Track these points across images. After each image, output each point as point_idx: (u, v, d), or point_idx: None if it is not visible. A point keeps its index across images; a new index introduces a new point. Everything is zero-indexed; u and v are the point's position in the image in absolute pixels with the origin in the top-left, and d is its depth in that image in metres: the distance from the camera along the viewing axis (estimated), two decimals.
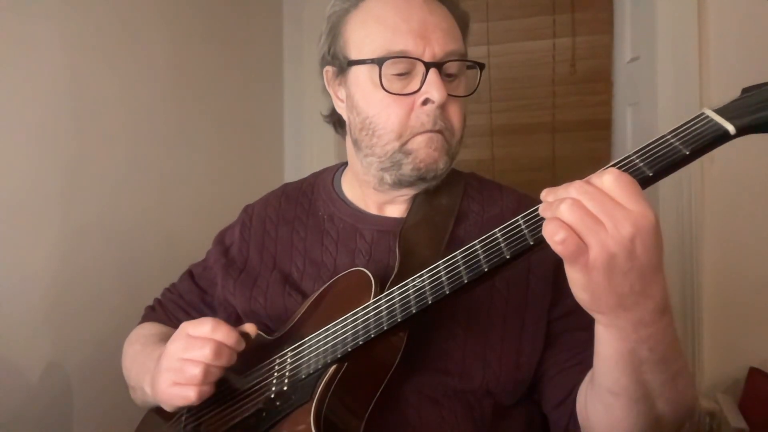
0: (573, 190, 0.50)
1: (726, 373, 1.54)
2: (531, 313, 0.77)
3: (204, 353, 0.67)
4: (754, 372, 1.45)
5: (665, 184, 1.57)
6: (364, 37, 0.78)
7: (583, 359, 0.66)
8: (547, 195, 0.53)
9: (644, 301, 0.52)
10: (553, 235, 0.49)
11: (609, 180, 0.49)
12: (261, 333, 0.82)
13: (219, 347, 0.68)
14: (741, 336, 1.53)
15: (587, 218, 0.48)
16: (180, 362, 0.68)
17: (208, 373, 0.68)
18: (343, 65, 0.80)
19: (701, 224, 1.55)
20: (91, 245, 1.24)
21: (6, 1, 1.06)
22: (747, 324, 1.52)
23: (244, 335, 0.72)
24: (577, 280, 0.52)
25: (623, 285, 0.50)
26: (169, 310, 0.95)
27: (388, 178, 0.80)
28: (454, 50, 0.77)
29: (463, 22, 0.82)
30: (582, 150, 2.20)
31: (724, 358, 1.54)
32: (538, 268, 0.78)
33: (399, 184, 0.80)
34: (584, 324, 0.59)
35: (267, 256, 0.87)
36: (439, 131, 0.77)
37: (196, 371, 0.67)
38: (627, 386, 0.58)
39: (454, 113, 0.78)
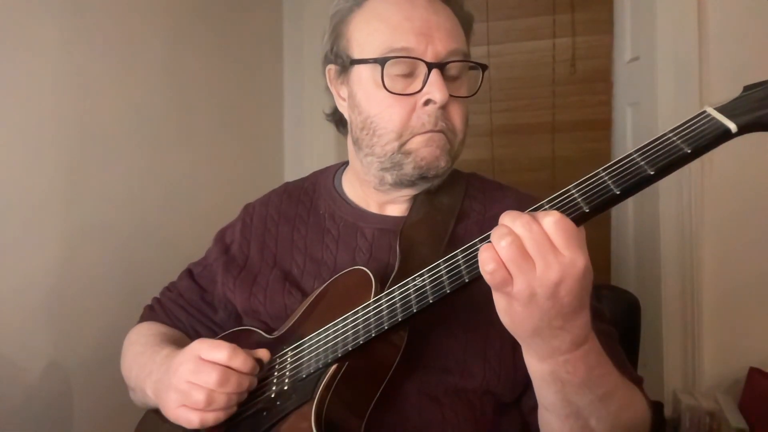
0: (518, 224, 0.53)
1: (726, 373, 1.54)
2: None
3: (210, 379, 0.67)
4: (754, 372, 1.45)
5: (665, 184, 1.57)
6: (366, 35, 0.78)
7: None
8: (504, 218, 0.55)
9: (561, 334, 0.56)
10: (485, 265, 0.53)
11: (549, 223, 0.52)
12: (261, 332, 0.82)
13: (225, 374, 0.67)
14: (741, 336, 1.53)
15: (520, 258, 0.52)
16: (187, 385, 0.68)
17: (212, 400, 0.67)
18: (345, 64, 0.80)
19: (701, 225, 1.55)
20: (92, 245, 1.24)
21: (7, 1, 1.06)
22: (747, 324, 1.52)
23: (258, 361, 0.72)
24: (499, 304, 0.57)
25: (541, 319, 0.54)
26: (169, 309, 0.95)
27: (389, 178, 0.80)
28: (456, 49, 0.76)
29: (466, 23, 0.82)
30: (582, 150, 2.20)
31: (724, 358, 1.54)
32: None
33: (400, 184, 0.80)
34: None
35: (267, 254, 0.87)
36: (440, 131, 0.77)
37: (200, 397, 0.67)
38: (554, 403, 0.63)
39: (456, 114, 0.78)
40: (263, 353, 0.73)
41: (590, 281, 0.54)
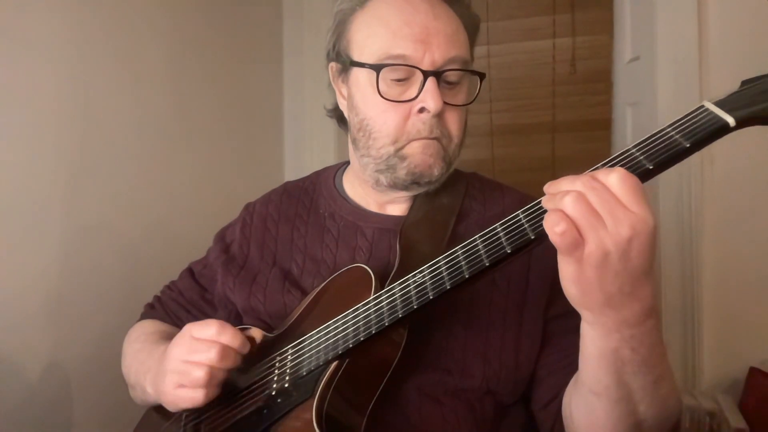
0: (579, 183, 0.51)
1: (726, 373, 1.53)
2: (529, 312, 0.78)
3: (209, 356, 0.67)
4: (754, 372, 1.45)
5: (665, 184, 1.57)
6: (365, 38, 0.78)
7: (572, 362, 0.66)
8: (549, 187, 0.53)
9: (631, 302, 0.53)
10: (554, 226, 0.49)
11: (615, 179, 0.50)
12: (261, 331, 0.82)
13: (224, 350, 0.68)
14: (741, 336, 1.53)
15: (589, 214, 0.49)
16: (184, 365, 0.69)
17: (212, 376, 0.68)
18: (346, 64, 0.81)
19: (701, 224, 1.55)
20: (93, 245, 1.24)
21: (7, 0, 1.06)
22: (747, 324, 1.52)
23: (249, 339, 0.72)
24: (568, 273, 0.52)
25: (613, 284, 0.51)
26: (169, 308, 0.95)
27: (383, 179, 0.80)
28: (455, 57, 0.76)
29: (471, 26, 0.82)
30: (582, 150, 2.20)
31: (724, 358, 1.54)
32: (538, 267, 0.79)
33: (394, 186, 0.81)
34: (577, 327, 0.60)
35: (267, 254, 0.88)
36: (435, 138, 0.77)
37: (200, 374, 0.67)
38: (609, 386, 0.59)
39: (453, 121, 0.78)
40: (256, 332, 0.74)
41: (656, 243, 0.52)
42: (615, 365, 0.57)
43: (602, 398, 0.61)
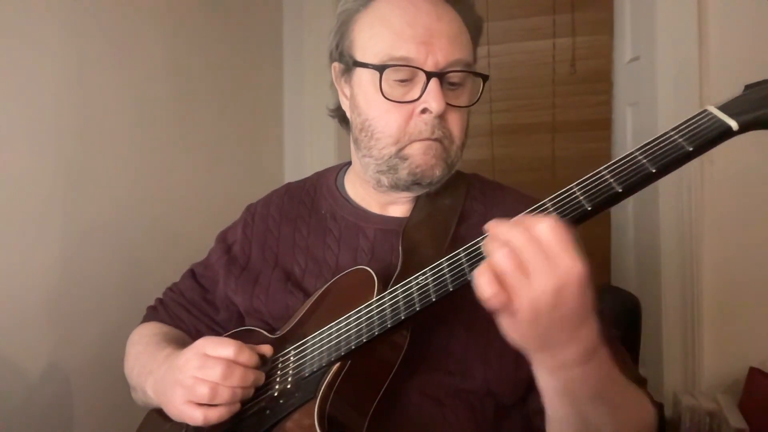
0: (510, 236, 0.52)
1: (726, 373, 1.54)
2: None
3: (214, 373, 0.67)
4: (754, 372, 1.45)
5: (665, 184, 1.57)
6: (368, 39, 0.78)
7: None
8: (492, 227, 0.55)
9: (570, 344, 0.55)
10: (482, 291, 0.52)
11: (543, 230, 0.51)
12: (263, 332, 0.82)
13: (229, 367, 0.67)
14: (741, 336, 1.53)
15: (517, 270, 0.51)
16: (192, 380, 0.68)
17: (216, 394, 0.67)
18: (349, 64, 0.81)
19: (701, 224, 1.55)
20: (93, 245, 1.24)
21: None
22: (747, 324, 1.52)
23: (262, 357, 0.72)
24: (504, 324, 0.55)
25: (547, 332, 0.53)
26: (171, 310, 0.95)
27: (384, 180, 0.80)
28: (458, 59, 0.76)
29: (475, 28, 0.82)
30: (582, 150, 2.20)
31: (724, 358, 1.54)
32: None
33: (396, 187, 0.81)
34: None
35: (269, 254, 0.88)
36: (437, 139, 0.77)
37: (204, 391, 0.67)
38: (567, 416, 0.61)
39: (455, 122, 0.78)
40: (266, 349, 0.74)
41: (590, 288, 0.53)
42: (568, 398, 0.59)
43: (564, 426, 0.63)
